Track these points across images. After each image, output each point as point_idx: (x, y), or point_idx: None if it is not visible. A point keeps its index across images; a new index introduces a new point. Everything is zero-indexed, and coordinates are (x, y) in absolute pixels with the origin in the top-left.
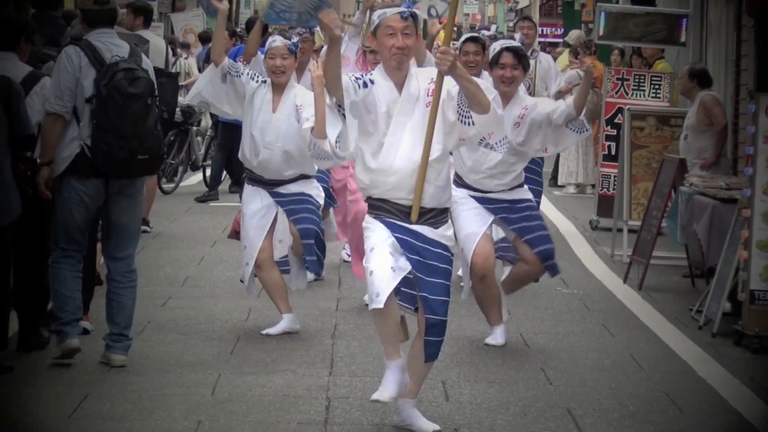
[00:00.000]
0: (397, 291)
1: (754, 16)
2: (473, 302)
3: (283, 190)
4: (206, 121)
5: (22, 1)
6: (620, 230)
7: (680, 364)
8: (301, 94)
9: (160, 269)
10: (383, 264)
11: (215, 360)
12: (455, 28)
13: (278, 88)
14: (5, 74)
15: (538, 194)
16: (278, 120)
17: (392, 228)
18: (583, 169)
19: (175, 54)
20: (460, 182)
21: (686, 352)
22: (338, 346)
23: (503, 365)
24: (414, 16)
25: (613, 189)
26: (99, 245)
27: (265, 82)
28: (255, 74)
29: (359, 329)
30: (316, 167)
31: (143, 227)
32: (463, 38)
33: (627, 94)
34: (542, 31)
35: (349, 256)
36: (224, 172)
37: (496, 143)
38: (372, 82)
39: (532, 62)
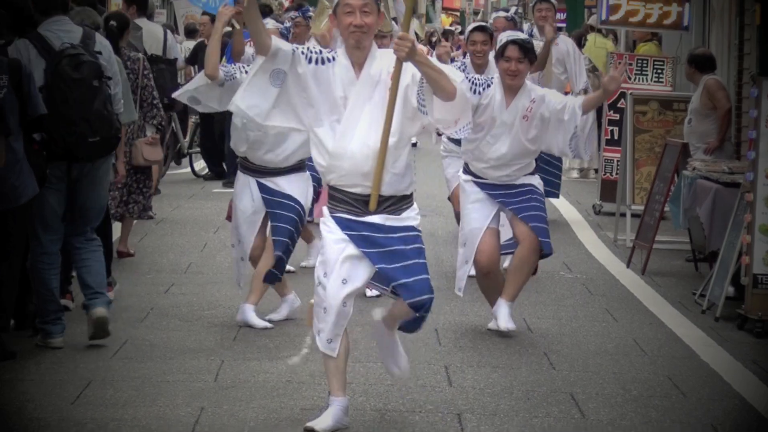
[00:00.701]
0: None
1: (758, 0)
2: (476, 288)
3: (272, 185)
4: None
5: None
6: (623, 215)
7: (683, 349)
8: None
9: (162, 256)
10: (336, 300)
11: (218, 346)
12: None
13: None
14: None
15: (556, 186)
16: None
17: (346, 226)
18: None
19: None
20: (466, 169)
21: (689, 336)
22: None
23: (506, 350)
24: None
25: (616, 173)
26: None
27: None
28: (243, 67)
29: (361, 315)
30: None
31: (148, 213)
32: (470, 27)
33: (630, 78)
34: None
35: None
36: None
37: (459, 130)
38: (331, 60)
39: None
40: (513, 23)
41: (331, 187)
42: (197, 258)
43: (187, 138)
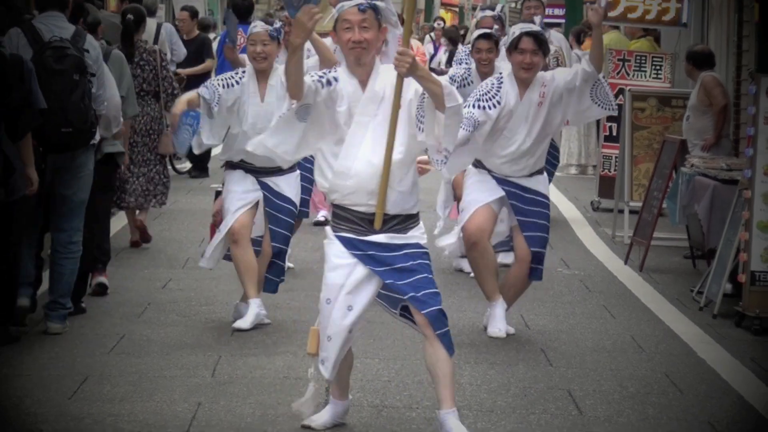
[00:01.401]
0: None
1: None
2: (474, 284)
3: (272, 185)
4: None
5: None
6: (621, 211)
7: (681, 346)
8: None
9: (160, 250)
10: (341, 328)
11: (215, 342)
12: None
13: (262, 75)
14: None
15: (550, 173)
16: (268, 105)
17: (352, 246)
18: (585, 150)
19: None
20: (478, 164)
21: (687, 333)
22: None
23: (503, 346)
24: (375, 8)
25: (615, 170)
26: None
27: (244, 74)
28: (226, 80)
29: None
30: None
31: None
32: (475, 35)
33: (628, 75)
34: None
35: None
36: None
37: (438, 161)
38: (336, 80)
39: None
40: (500, 22)
41: (336, 206)
42: (195, 253)
43: None
